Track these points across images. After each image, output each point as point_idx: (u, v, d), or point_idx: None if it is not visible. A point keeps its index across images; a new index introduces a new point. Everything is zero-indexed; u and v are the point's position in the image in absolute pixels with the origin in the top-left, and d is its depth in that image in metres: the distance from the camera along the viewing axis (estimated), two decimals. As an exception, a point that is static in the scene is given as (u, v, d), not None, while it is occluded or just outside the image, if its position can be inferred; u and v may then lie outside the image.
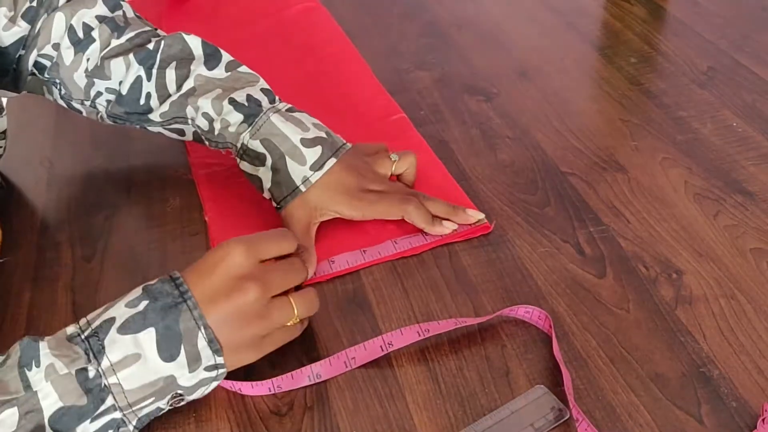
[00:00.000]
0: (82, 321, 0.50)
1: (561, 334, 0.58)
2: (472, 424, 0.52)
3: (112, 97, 0.73)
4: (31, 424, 0.46)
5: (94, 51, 0.72)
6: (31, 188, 0.76)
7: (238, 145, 0.67)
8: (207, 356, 0.50)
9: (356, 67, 0.93)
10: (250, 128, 0.67)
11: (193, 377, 0.50)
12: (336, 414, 0.54)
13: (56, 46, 0.72)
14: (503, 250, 0.66)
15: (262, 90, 0.70)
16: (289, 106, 0.70)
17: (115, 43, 0.72)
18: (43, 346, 0.48)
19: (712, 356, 0.55)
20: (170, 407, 0.52)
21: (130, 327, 0.49)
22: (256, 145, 0.66)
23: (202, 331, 0.50)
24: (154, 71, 0.70)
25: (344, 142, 0.68)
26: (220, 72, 0.70)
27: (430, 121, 0.84)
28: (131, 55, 0.71)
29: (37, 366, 0.47)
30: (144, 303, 0.50)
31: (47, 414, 0.46)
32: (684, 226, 0.67)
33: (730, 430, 0.51)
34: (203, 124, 0.69)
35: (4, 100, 0.77)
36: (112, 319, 0.49)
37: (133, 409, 0.49)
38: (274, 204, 0.67)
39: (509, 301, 0.61)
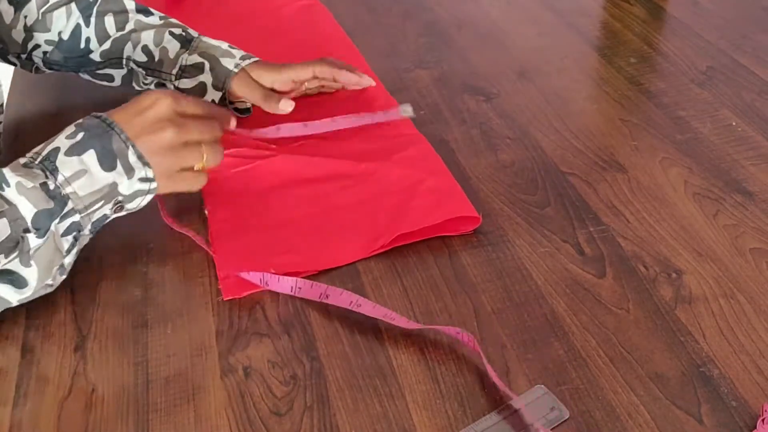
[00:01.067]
0: (29, 154, 0.61)
1: (561, 334, 0.58)
2: (472, 424, 0.52)
3: (49, 48, 0.82)
4: (20, 228, 0.57)
5: (30, 8, 0.81)
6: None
7: (176, 69, 0.80)
8: (139, 168, 0.62)
9: (354, 65, 0.93)
10: (187, 51, 0.80)
11: (131, 186, 0.62)
12: (336, 413, 0.54)
13: None
14: (503, 249, 0.66)
15: (192, 30, 0.82)
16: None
17: (51, 1, 0.81)
18: (6, 171, 0.58)
19: (712, 356, 0.55)
20: (114, 214, 0.63)
21: (73, 151, 0.60)
22: (194, 59, 0.79)
23: (131, 149, 0.61)
24: (92, 19, 0.81)
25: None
26: (155, 19, 0.82)
27: (430, 120, 0.84)
28: (73, 5, 0.81)
29: (8, 186, 0.57)
30: (81, 134, 0.61)
31: (28, 219, 0.57)
32: (684, 226, 0.67)
33: (729, 430, 0.51)
34: (141, 57, 0.81)
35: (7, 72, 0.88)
36: (57, 149, 0.60)
37: (88, 212, 0.60)
38: (218, 94, 0.79)
39: (508, 300, 0.61)
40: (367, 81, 0.84)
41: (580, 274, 0.63)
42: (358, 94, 0.88)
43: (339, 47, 0.97)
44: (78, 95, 0.93)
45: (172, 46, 0.80)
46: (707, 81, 0.87)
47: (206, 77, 0.80)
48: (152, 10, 0.84)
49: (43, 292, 0.61)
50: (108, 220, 0.63)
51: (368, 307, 0.60)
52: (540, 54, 0.95)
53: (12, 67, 0.88)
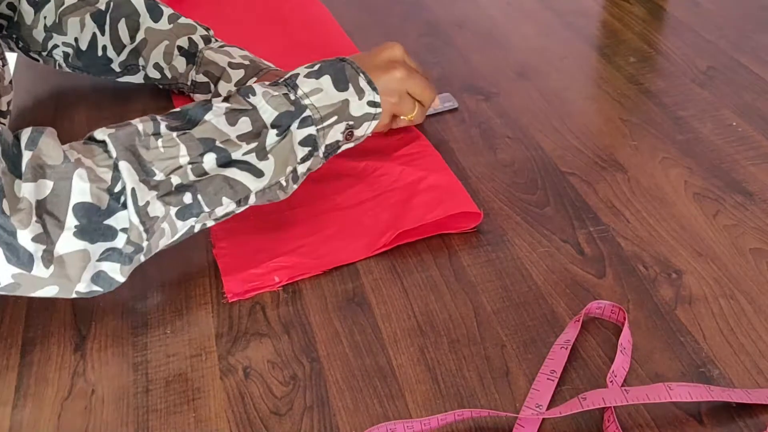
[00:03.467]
0: (279, 78, 0.68)
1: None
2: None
3: (68, 50, 0.86)
4: (258, 125, 0.63)
5: (49, 9, 0.85)
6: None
7: (189, 83, 0.84)
8: (368, 90, 0.68)
9: None
10: (195, 66, 0.83)
11: (360, 108, 0.68)
12: (336, 414, 0.54)
13: (11, 6, 0.86)
14: (503, 249, 0.66)
15: (201, 36, 0.85)
16: (222, 42, 0.85)
17: (69, 2, 0.85)
18: (255, 86, 0.65)
19: (712, 356, 0.55)
20: (345, 142, 0.68)
21: (312, 75, 0.67)
22: (201, 78, 0.83)
23: (362, 75, 0.68)
24: (107, 27, 0.84)
25: (269, 66, 0.82)
26: (163, 24, 0.84)
27: (430, 120, 0.83)
28: (87, 16, 0.84)
29: (254, 94, 0.64)
30: (318, 65, 0.68)
31: (268, 121, 0.63)
32: (684, 226, 0.67)
33: (730, 431, 0.51)
34: (154, 74, 0.85)
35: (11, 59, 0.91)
36: (297, 74, 0.67)
37: (323, 125, 0.65)
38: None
39: (508, 300, 0.61)
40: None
41: (580, 274, 0.63)
42: None
43: (338, 46, 0.97)
44: (80, 92, 0.93)
45: (180, 63, 0.84)
46: (707, 81, 0.86)
47: (216, 94, 0.82)
48: (160, 7, 0.85)
49: (279, 196, 0.64)
50: (340, 150, 0.68)
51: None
52: (540, 54, 0.94)
53: (14, 60, 0.90)
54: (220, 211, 0.61)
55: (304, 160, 0.65)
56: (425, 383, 0.55)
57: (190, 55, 0.83)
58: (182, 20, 0.85)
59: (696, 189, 0.71)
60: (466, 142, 0.80)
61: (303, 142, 0.64)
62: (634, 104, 0.84)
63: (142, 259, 0.59)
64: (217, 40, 0.86)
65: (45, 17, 0.86)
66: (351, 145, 0.69)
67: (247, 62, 0.82)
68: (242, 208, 0.63)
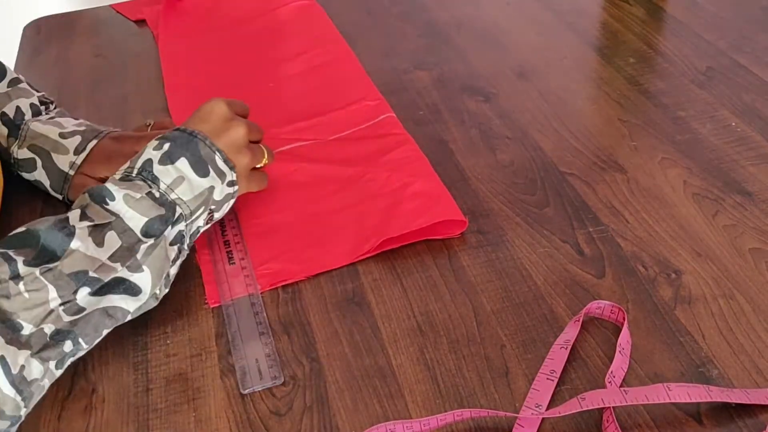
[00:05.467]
0: (123, 168, 0.60)
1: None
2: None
3: None
4: (129, 239, 0.56)
5: None
6: (29, 185, 0.76)
7: (11, 161, 0.73)
8: (227, 171, 0.62)
9: (349, 66, 0.93)
10: (17, 141, 0.73)
11: (222, 191, 0.62)
12: (335, 414, 0.54)
13: None
14: (502, 250, 0.66)
15: (32, 104, 0.75)
16: (58, 111, 0.77)
17: None
18: (110, 185, 0.58)
19: (711, 356, 0.55)
20: (205, 226, 0.63)
21: (166, 160, 0.60)
22: (24, 153, 0.72)
23: (218, 154, 0.62)
24: None
25: (109, 129, 0.74)
26: (2, 86, 0.75)
27: (429, 121, 0.84)
28: None
29: (112, 200, 0.57)
30: (167, 144, 0.61)
31: (138, 229, 0.56)
32: (683, 226, 0.67)
33: (729, 431, 0.51)
34: None
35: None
36: (149, 160, 0.60)
37: (191, 219, 0.60)
38: (61, 198, 0.73)
39: (508, 300, 0.61)
40: None
41: (580, 274, 0.63)
42: (347, 94, 0.88)
43: (334, 49, 0.97)
44: (79, 93, 0.93)
45: (3, 132, 0.73)
46: (707, 81, 0.87)
47: (41, 176, 0.73)
48: (5, 69, 0.77)
49: (151, 305, 0.58)
50: (199, 234, 0.63)
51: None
52: (539, 54, 0.95)
53: (13, 61, 0.88)
54: (96, 341, 0.56)
55: (174, 260, 0.59)
56: (425, 383, 0.55)
57: (14, 127, 0.73)
58: (21, 87, 0.76)
59: (695, 189, 0.71)
60: (466, 142, 0.80)
61: (173, 241, 0.59)
62: (633, 105, 0.84)
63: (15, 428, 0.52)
64: (52, 110, 0.77)
65: None
66: (209, 225, 0.64)
67: (82, 128, 0.73)
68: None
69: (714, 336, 0.57)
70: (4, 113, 0.73)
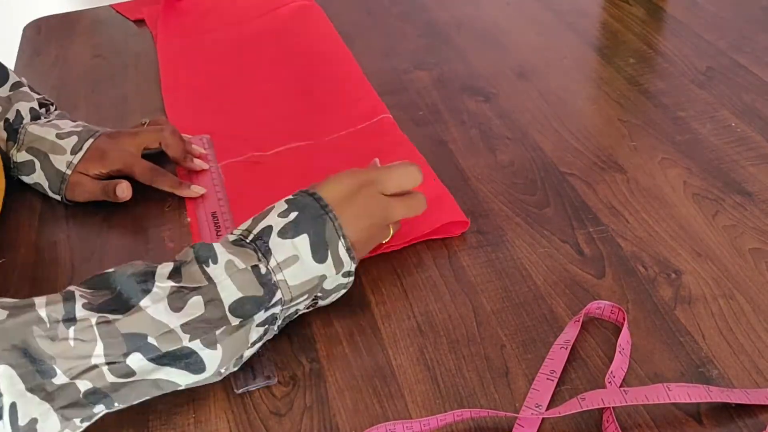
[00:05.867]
0: (239, 230, 0.56)
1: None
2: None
3: None
4: (215, 311, 0.51)
5: None
6: (29, 188, 0.76)
7: (11, 165, 0.74)
8: (346, 262, 0.57)
9: (346, 67, 0.93)
10: (15, 144, 0.74)
11: (334, 281, 0.57)
12: (335, 414, 0.54)
13: None
14: (502, 250, 0.66)
15: (31, 109, 0.76)
16: (57, 113, 0.78)
17: None
18: (218, 247, 0.53)
19: (711, 356, 0.55)
20: (304, 310, 0.58)
21: (287, 233, 0.55)
22: (23, 156, 0.73)
23: (342, 240, 0.56)
24: None
25: (106, 129, 0.75)
26: (4, 90, 0.76)
27: (429, 121, 0.84)
28: None
29: (215, 263, 0.52)
30: (294, 213, 0.56)
31: (227, 303, 0.51)
32: (683, 226, 0.67)
33: (729, 431, 0.51)
34: None
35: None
36: (270, 227, 0.55)
37: (290, 305, 0.55)
38: (60, 199, 0.74)
39: (508, 300, 0.61)
40: (198, 189, 0.74)
41: (580, 274, 0.63)
42: (345, 94, 0.88)
43: (332, 49, 0.97)
44: (79, 93, 0.93)
45: (2, 137, 0.74)
46: (707, 81, 0.87)
47: (40, 177, 0.73)
48: (8, 73, 0.78)
49: (209, 380, 0.52)
50: (296, 317, 0.58)
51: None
52: (539, 54, 0.95)
53: (13, 60, 0.88)
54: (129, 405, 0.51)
55: (255, 342, 0.53)
56: (425, 383, 0.55)
57: (13, 131, 0.74)
58: (23, 90, 0.77)
59: (695, 189, 0.71)
60: (466, 143, 0.80)
61: (262, 323, 0.53)
62: (633, 105, 0.84)
63: None
64: (52, 113, 0.78)
65: None
66: (311, 309, 0.59)
67: (79, 128, 0.74)
68: None
69: (714, 336, 0.57)
70: (6, 119, 0.74)
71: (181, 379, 0.50)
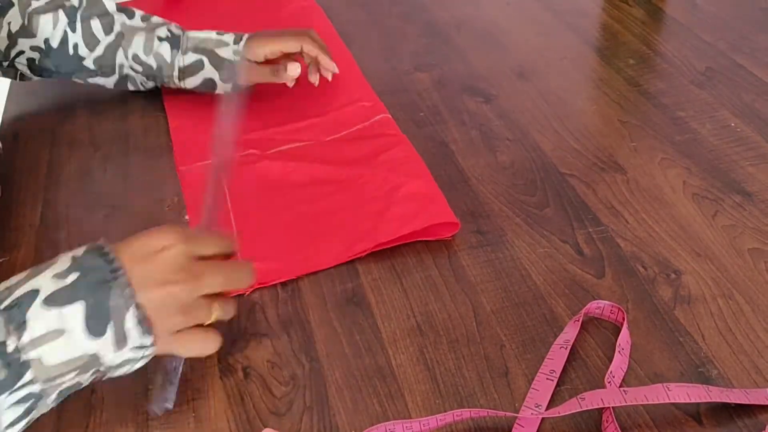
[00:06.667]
0: (2, 287, 0.48)
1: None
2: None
3: (35, 54, 0.82)
4: None
5: (14, 14, 0.80)
6: (29, 187, 0.76)
7: (176, 72, 0.82)
8: (135, 336, 0.48)
9: (344, 67, 0.93)
10: (180, 51, 0.82)
11: (118, 356, 0.48)
12: (335, 413, 0.54)
13: None
14: (502, 250, 0.66)
15: (176, 26, 0.84)
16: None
17: (37, 3, 0.81)
18: None
19: (711, 356, 0.55)
20: (90, 383, 0.50)
21: (56, 300, 0.47)
22: (190, 57, 0.82)
23: (131, 310, 0.48)
24: (78, 24, 0.81)
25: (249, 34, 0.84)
26: (137, 21, 0.83)
27: (430, 122, 0.84)
28: (60, 11, 0.81)
29: None
30: (74, 276, 0.48)
31: None
32: (682, 227, 0.67)
33: (728, 431, 0.51)
34: (137, 67, 0.83)
35: None
36: (36, 291, 0.47)
37: (54, 383, 0.47)
38: (228, 86, 0.82)
39: (508, 300, 0.61)
40: (334, 68, 0.86)
41: (579, 274, 0.63)
42: (344, 95, 0.88)
43: (331, 48, 0.97)
44: (79, 93, 0.93)
45: (165, 50, 0.82)
46: (706, 82, 0.87)
47: (211, 73, 0.82)
48: (132, 9, 0.85)
49: None
50: (82, 387, 0.50)
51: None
52: (539, 55, 0.95)
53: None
54: None
55: (15, 423, 0.47)
56: (425, 383, 0.55)
57: (174, 40, 0.82)
58: (155, 18, 0.85)
59: (695, 189, 0.71)
60: (466, 143, 0.80)
61: (20, 401, 0.47)
62: (633, 105, 0.84)
63: None
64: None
65: (9, 23, 0.81)
66: (105, 379, 0.51)
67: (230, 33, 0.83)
68: None
69: (713, 336, 0.57)
70: (159, 36, 0.82)
71: None
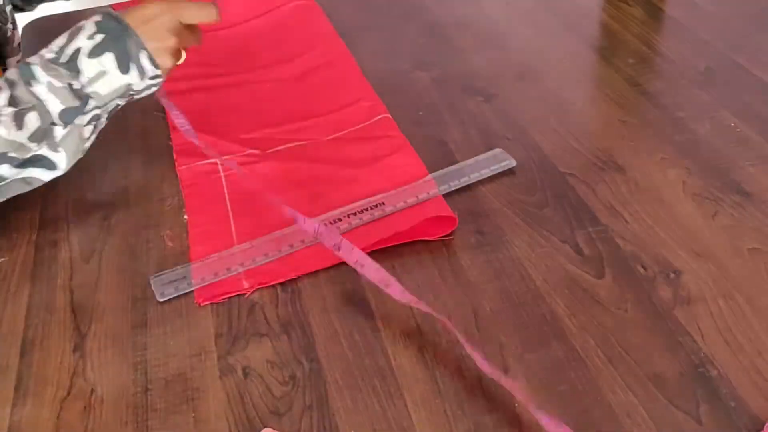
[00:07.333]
0: (54, 49, 0.67)
1: (559, 334, 0.58)
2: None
3: None
4: (47, 121, 0.65)
5: None
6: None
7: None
8: (150, 69, 0.68)
9: (345, 67, 0.93)
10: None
11: (142, 83, 0.68)
12: (335, 413, 0.54)
13: None
14: (502, 250, 0.66)
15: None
16: None
17: None
18: (37, 69, 0.65)
19: (711, 356, 0.55)
20: (125, 102, 0.70)
21: (94, 53, 0.66)
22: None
23: (143, 52, 0.67)
24: None
25: None
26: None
27: (429, 121, 0.84)
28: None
29: (38, 83, 0.65)
30: (100, 36, 0.66)
31: (55, 113, 0.65)
32: (682, 226, 0.67)
33: (728, 430, 0.51)
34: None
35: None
36: (79, 49, 0.66)
37: (106, 107, 0.68)
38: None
39: (507, 300, 0.61)
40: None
41: (579, 274, 0.63)
42: (343, 95, 0.88)
43: (331, 49, 0.97)
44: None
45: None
46: (706, 82, 0.87)
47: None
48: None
49: (65, 172, 0.68)
50: (117, 108, 0.70)
51: (371, 270, 0.61)
52: (539, 55, 0.95)
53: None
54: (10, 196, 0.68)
55: (89, 137, 0.68)
56: (424, 382, 0.55)
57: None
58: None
59: (694, 189, 0.71)
60: (466, 143, 0.80)
61: (88, 122, 0.67)
62: (632, 105, 0.84)
63: None
64: None
65: None
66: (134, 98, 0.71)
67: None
68: None
69: (713, 336, 0.57)
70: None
71: (43, 175, 0.67)
